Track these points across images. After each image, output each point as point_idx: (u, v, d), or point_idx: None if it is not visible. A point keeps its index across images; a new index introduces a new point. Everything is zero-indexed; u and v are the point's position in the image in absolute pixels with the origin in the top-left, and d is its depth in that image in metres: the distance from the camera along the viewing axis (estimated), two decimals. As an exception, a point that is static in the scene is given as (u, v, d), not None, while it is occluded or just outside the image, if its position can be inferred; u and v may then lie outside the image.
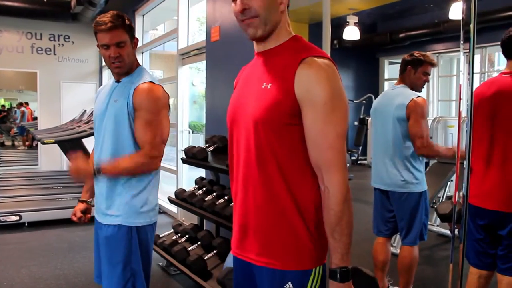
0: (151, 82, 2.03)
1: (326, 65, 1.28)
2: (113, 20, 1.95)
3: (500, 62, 9.93)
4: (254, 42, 1.42)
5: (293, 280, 1.31)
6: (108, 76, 8.82)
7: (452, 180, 4.84)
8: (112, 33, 1.95)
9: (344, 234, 1.25)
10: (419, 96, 2.92)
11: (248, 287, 1.43)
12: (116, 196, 2.02)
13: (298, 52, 1.30)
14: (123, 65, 2.02)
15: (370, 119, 7.53)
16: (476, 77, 8.44)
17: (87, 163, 2.02)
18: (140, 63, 2.16)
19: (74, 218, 2.24)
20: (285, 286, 1.31)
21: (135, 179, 2.02)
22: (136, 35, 2.11)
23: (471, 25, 1.73)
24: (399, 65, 3.09)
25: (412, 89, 2.98)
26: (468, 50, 1.77)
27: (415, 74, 2.97)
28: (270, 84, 1.30)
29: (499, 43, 2.37)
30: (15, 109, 12.62)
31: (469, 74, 1.80)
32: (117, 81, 2.08)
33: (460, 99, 1.88)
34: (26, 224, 5.28)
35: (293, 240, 1.30)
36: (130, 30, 2.02)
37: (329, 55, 1.33)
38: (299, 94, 1.26)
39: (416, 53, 3.00)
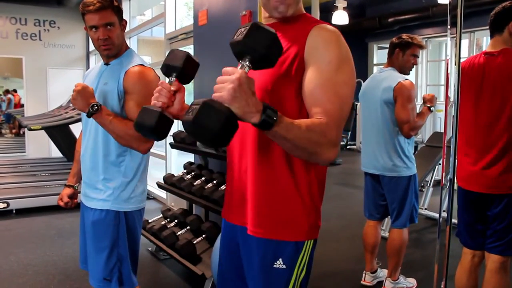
0: (141, 65, 2.00)
1: (336, 32, 1.25)
2: (101, 0, 1.90)
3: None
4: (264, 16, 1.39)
5: (284, 256, 1.29)
6: (95, 61, 8.72)
7: (440, 164, 4.88)
8: (100, 14, 1.90)
9: (307, 134, 1.13)
10: (406, 79, 2.92)
11: (236, 257, 1.42)
12: (104, 180, 2.00)
13: (310, 23, 1.28)
14: (112, 47, 1.98)
15: (359, 104, 7.56)
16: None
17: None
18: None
19: (61, 203, 2.22)
20: (275, 263, 1.29)
21: (124, 164, 2.00)
22: (124, 20, 2.08)
23: (458, 10, 1.74)
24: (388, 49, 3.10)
25: (401, 72, 2.99)
26: (455, 35, 1.77)
27: (403, 56, 2.98)
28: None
29: (487, 27, 2.36)
30: (1, 96, 12.44)
31: (456, 58, 1.80)
32: (106, 63, 2.05)
33: (447, 83, 1.89)
34: (14, 211, 5.24)
35: (288, 212, 1.29)
36: (119, 11, 1.99)
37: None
38: (306, 55, 1.23)
39: (404, 36, 3.00)
